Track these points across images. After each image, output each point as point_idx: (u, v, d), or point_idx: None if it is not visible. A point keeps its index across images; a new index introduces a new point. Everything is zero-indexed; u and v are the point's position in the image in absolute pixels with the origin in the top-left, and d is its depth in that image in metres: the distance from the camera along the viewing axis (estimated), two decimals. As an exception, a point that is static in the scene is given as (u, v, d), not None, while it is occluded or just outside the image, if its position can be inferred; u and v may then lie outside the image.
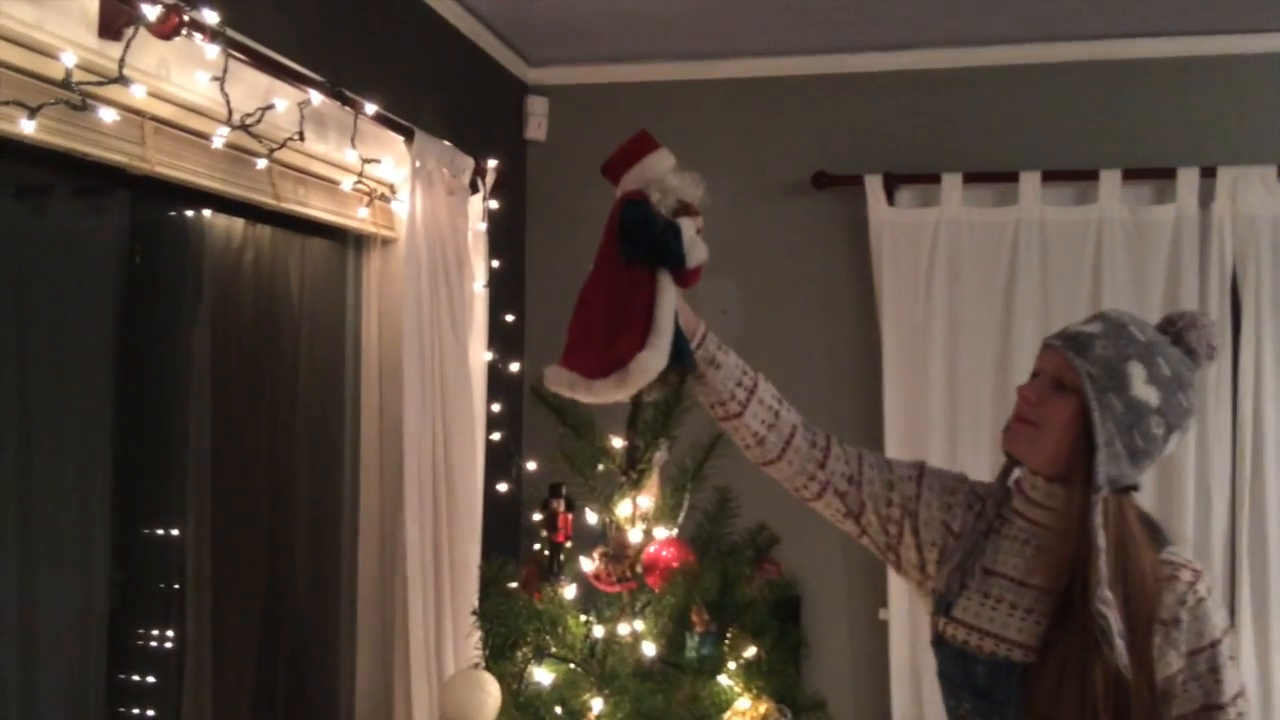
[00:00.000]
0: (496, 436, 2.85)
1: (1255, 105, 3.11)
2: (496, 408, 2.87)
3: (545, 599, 1.51)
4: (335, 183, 2.33)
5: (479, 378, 2.78)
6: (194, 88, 1.81)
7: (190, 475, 2.63)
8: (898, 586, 3.15)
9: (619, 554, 1.49)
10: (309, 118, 2.10)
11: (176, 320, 2.61)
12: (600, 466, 1.52)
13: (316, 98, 2.02)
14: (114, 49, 1.58)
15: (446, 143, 2.62)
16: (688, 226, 1.50)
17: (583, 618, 1.53)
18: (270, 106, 1.86)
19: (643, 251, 1.50)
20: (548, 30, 3.23)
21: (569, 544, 1.52)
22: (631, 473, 1.53)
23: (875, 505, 1.64)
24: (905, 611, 3.16)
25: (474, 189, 2.80)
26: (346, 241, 2.71)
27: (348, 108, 2.15)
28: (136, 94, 1.63)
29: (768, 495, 3.01)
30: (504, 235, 3.16)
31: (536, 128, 3.51)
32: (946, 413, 3.18)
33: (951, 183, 3.18)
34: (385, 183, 2.52)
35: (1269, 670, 2.96)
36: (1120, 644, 1.40)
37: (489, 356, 2.84)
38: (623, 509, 1.53)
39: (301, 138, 1.99)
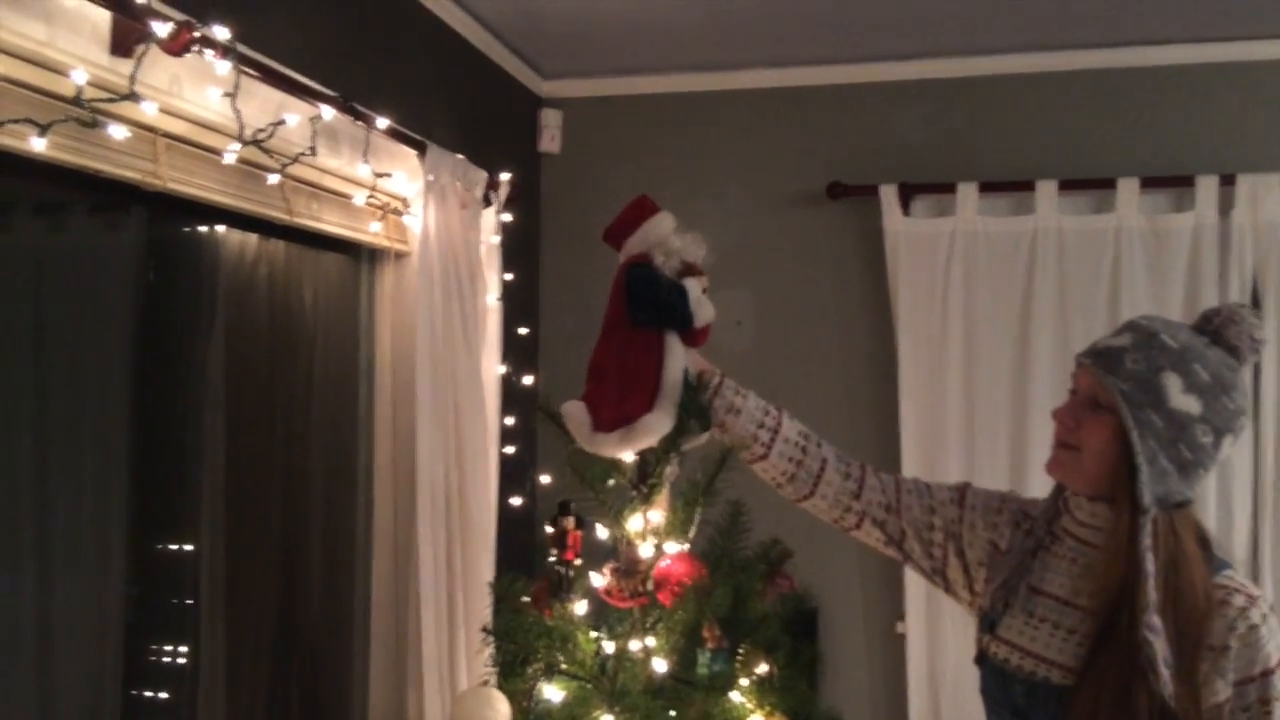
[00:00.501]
0: (510, 450, 2.84)
1: (1274, 112, 3.08)
2: (510, 421, 2.86)
3: (556, 615, 1.50)
4: (348, 197, 2.33)
5: (492, 391, 2.77)
6: (206, 104, 1.81)
7: (205, 490, 2.63)
8: (915, 599, 3.12)
9: (630, 569, 1.48)
10: (321, 132, 2.10)
11: (192, 336, 2.62)
12: (611, 481, 1.51)
13: (328, 112, 2.02)
14: (125, 66, 1.58)
15: (460, 156, 2.62)
16: (693, 286, 1.55)
17: (593, 634, 1.52)
18: (282, 122, 1.86)
19: (650, 314, 1.54)
20: (561, 43, 3.23)
21: (578, 561, 1.52)
22: (642, 487, 1.53)
23: (917, 531, 1.64)
24: (923, 624, 3.12)
25: (487, 202, 2.80)
26: (360, 256, 2.71)
27: (360, 122, 2.16)
28: (148, 111, 1.63)
29: (781, 509, 2.99)
30: (518, 248, 3.16)
31: (550, 140, 3.51)
32: (963, 424, 3.15)
33: (967, 192, 3.16)
34: (398, 197, 2.52)
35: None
36: (1166, 673, 1.36)
37: (503, 370, 2.83)
38: (634, 524, 1.52)
39: (314, 152, 1.99)
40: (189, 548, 2.71)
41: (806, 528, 3.21)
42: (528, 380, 2.90)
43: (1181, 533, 1.44)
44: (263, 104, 1.94)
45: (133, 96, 1.56)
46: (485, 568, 2.58)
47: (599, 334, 1.57)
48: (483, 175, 2.71)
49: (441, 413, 2.46)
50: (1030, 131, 3.23)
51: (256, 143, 1.82)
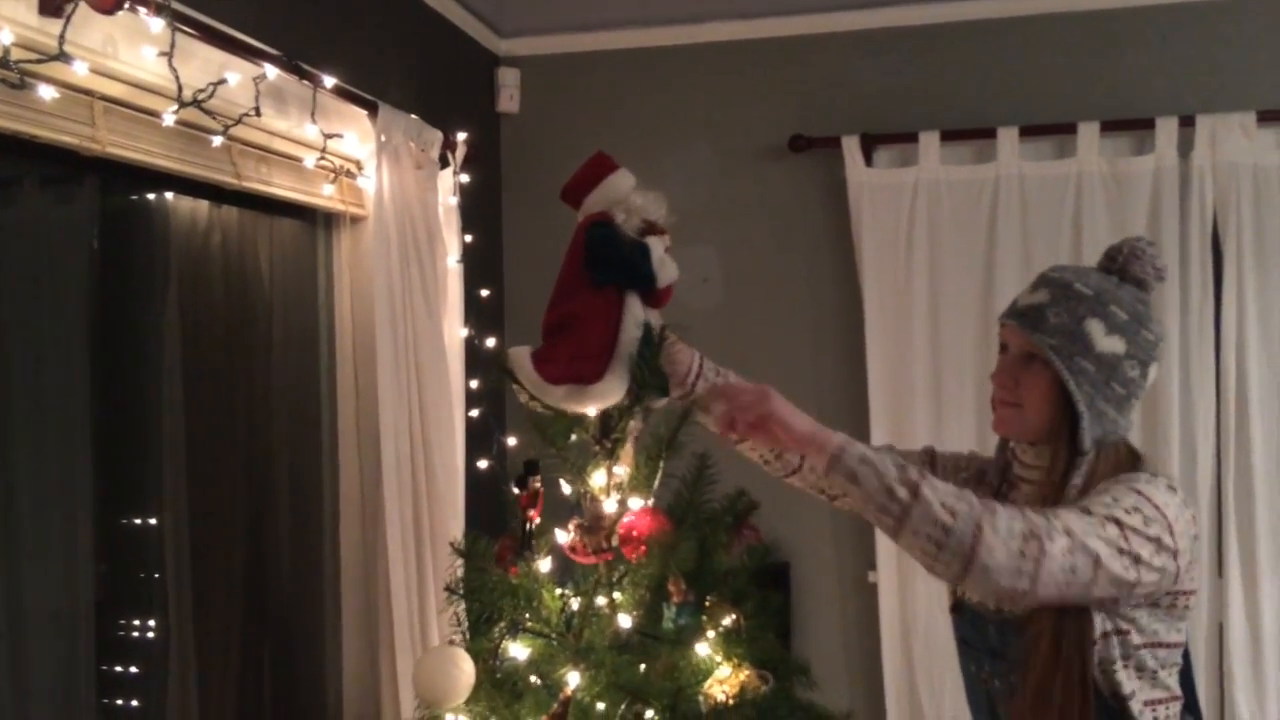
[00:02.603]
0: (475, 413, 2.82)
1: (1232, 51, 3.07)
2: (475, 384, 2.84)
3: (520, 573, 1.49)
4: (298, 160, 2.28)
5: (456, 354, 2.75)
6: (142, 64, 1.76)
7: (166, 463, 2.59)
8: (886, 549, 3.14)
9: (594, 526, 1.47)
10: (267, 93, 2.05)
11: (146, 307, 2.56)
12: (573, 437, 1.50)
13: (272, 72, 1.97)
14: (55, 26, 1.53)
15: (413, 116, 2.58)
16: (655, 245, 1.52)
17: (558, 591, 1.51)
18: (222, 81, 1.81)
19: (611, 274, 1.51)
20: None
21: (537, 520, 1.50)
22: (605, 442, 1.51)
23: None
24: (894, 573, 3.15)
25: (444, 163, 2.75)
26: (316, 220, 2.67)
27: (306, 81, 2.10)
28: (79, 71, 1.58)
29: (747, 462, 3.00)
30: (478, 210, 3.11)
31: (509, 100, 3.46)
32: (930, 374, 3.16)
33: (929, 141, 3.14)
34: (351, 159, 2.48)
35: (1259, 621, 2.96)
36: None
37: (465, 333, 2.80)
38: (597, 480, 1.51)
39: (258, 113, 1.94)
40: (153, 522, 2.66)
41: (776, 481, 3.24)
42: (491, 343, 2.87)
43: (1112, 459, 1.50)
44: (204, 64, 1.88)
45: (63, 57, 1.51)
46: (454, 531, 2.56)
47: (552, 293, 1.54)
48: (438, 135, 2.66)
49: (403, 377, 2.44)
50: (991, 78, 3.21)
51: (196, 103, 1.77)
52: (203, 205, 2.55)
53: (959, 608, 1.64)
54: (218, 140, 1.90)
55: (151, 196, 2.42)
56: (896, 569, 3.14)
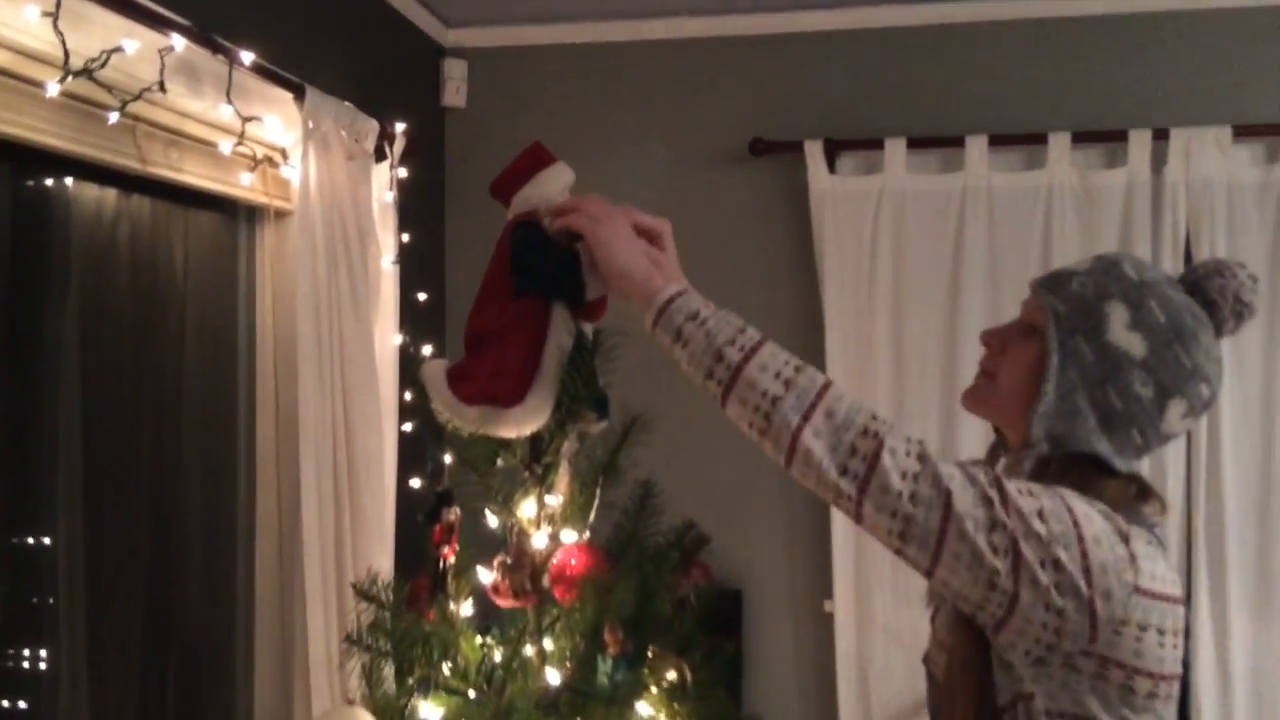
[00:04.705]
0: (409, 427, 2.61)
1: (1208, 63, 2.97)
2: (410, 396, 2.63)
3: (436, 618, 1.29)
4: (214, 145, 2.07)
5: (389, 363, 2.54)
6: (26, 28, 1.55)
7: (61, 478, 2.35)
8: (844, 575, 2.98)
9: (520, 563, 1.28)
10: (177, 69, 1.85)
11: (42, 306, 2.33)
12: (499, 461, 1.31)
13: (180, 42, 1.76)
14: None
15: (347, 103, 2.38)
16: (587, 252, 1.31)
17: (479, 640, 1.32)
18: (118, 49, 1.60)
19: (534, 284, 1.32)
20: (465, -13, 2.99)
21: (452, 559, 1.31)
22: (535, 467, 1.32)
23: None
24: (852, 603, 2.99)
25: (380, 156, 2.56)
26: (237, 214, 2.46)
27: (221, 57, 1.90)
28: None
29: (697, 488, 2.83)
30: (418, 208, 2.91)
31: (455, 93, 3.27)
32: (893, 388, 3.01)
33: (895, 148, 3.00)
34: (274, 146, 2.27)
35: (1228, 658, 2.84)
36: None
37: (400, 339, 2.60)
38: (526, 510, 1.32)
39: (163, 89, 1.74)
40: (46, 541, 2.42)
41: (730, 503, 3.10)
42: (428, 350, 2.67)
43: (1072, 478, 1.21)
44: (104, 32, 1.67)
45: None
46: (381, 559, 2.36)
47: (475, 299, 1.35)
48: (373, 125, 2.47)
49: (327, 388, 2.23)
50: (960, 85, 3.08)
51: (88, 73, 1.56)
52: (110, 193, 2.33)
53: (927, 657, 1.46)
54: (114, 117, 1.68)
55: (50, 183, 2.19)
56: (854, 598, 2.98)
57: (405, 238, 2.64)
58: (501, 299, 1.31)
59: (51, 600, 2.41)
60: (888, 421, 1.16)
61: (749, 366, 1.16)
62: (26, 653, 2.44)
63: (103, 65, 1.57)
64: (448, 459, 2.55)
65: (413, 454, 2.63)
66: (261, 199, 2.31)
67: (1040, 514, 1.12)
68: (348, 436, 2.27)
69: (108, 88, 1.65)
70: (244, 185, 2.19)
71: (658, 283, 1.24)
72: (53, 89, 1.56)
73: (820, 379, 1.17)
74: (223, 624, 2.44)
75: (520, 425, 1.27)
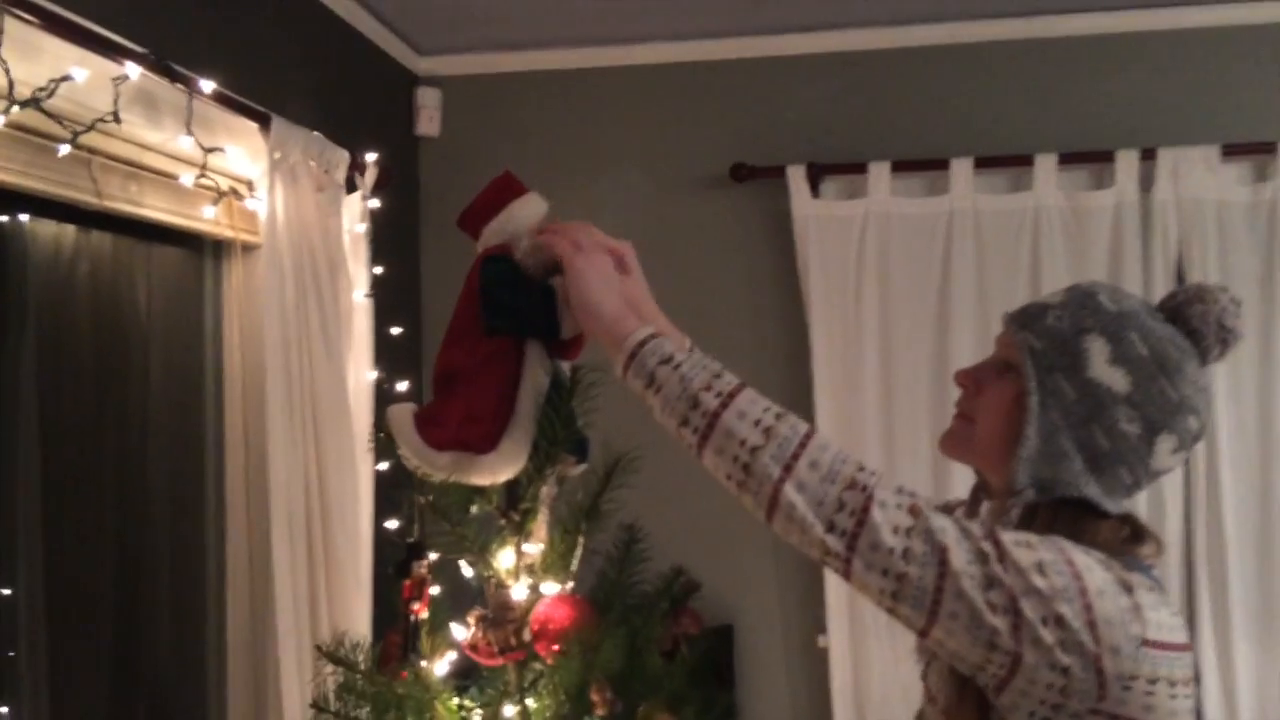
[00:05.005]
0: (385, 466, 2.51)
1: (1195, 82, 2.93)
2: (378, 441, 2.53)
3: (410, 678, 1.20)
4: (176, 177, 1.99)
5: (363, 400, 2.45)
6: (-31, 57, 1.46)
7: (20, 526, 2.25)
8: (838, 609, 2.89)
9: (500, 618, 1.20)
10: (135, 99, 1.77)
11: (-2, 347, 2.24)
12: (474, 508, 1.22)
13: (134, 70, 1.68)
14: None
15: (315, 133, 2.30)
16: (563, 287, 1.22)
17: (456, 701, 1.23)
18: (66, 78, 1.52)
19: (506, 322, 1.24)
20: (438, 14, 2.92)
21: (425, 615, 1.22)
22: (513, 514, 1.24)
23: None
24: (846, 637, 2.90)
25: (352, 187, 2.48)
26: (203, 249, 2.37)
27: (180, 85, 1.82)
28: None
29: (683, 523, 2.74)
30: (392, 240, 2.83)
31: (429, 122, 3.20)
32: (882, 416, 2.94)
33: (879, 172, 2.95)
34: (240, 178, 2.19)
35: (1233, 687, 2.76)
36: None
37: (374, 375, 2.51)
38: (504, 560, 1.23)
39: (116, 119, 1.65)
40: (5, 592, 2.31)
41: (718, 536, 3.00)
42: (404, 386, 2.58)
43: (1062, 525, 1.15)
44: (54, 61, 1.59)
45: None
46: (357, 606, 2.26)
47: (444, 336, 1.27)
48: (343, 155, 2.39)
49: (298, 427, 2.14)
50: (944, 107, 3.03)
51: (35, 102, 1.48)
52: (68, 229, 2.24)
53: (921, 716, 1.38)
54: (65, 149, 1.60)
55: (3, 219, 2.11)
56: (849, 633, 2.89)
57: (378, 270, 2.55)
58: (472, 336, 1.22)
59: (12, 653, 2.30)
60: (876, 472, 1.09)
61: (726, 414, 1.10)
62: (-16, 712, 2.32)
63: (49, 95, 1.48)
64: (419, 502, 2.46)
65: (389, 495, 2.53)
66: (227, 233, 2.23)
67: (1040, 567, 1.05)
68: (320, 477, 2.18)
69: (59, 119, 1.57)
70: (208, 219, 2.10)
71: (630, 324, 1.17)
72: (-2, 119, 1.47)
73: (803, 427, 1.11)
74: (194, 681, 2.33)
75: (495, 472, 1.19)
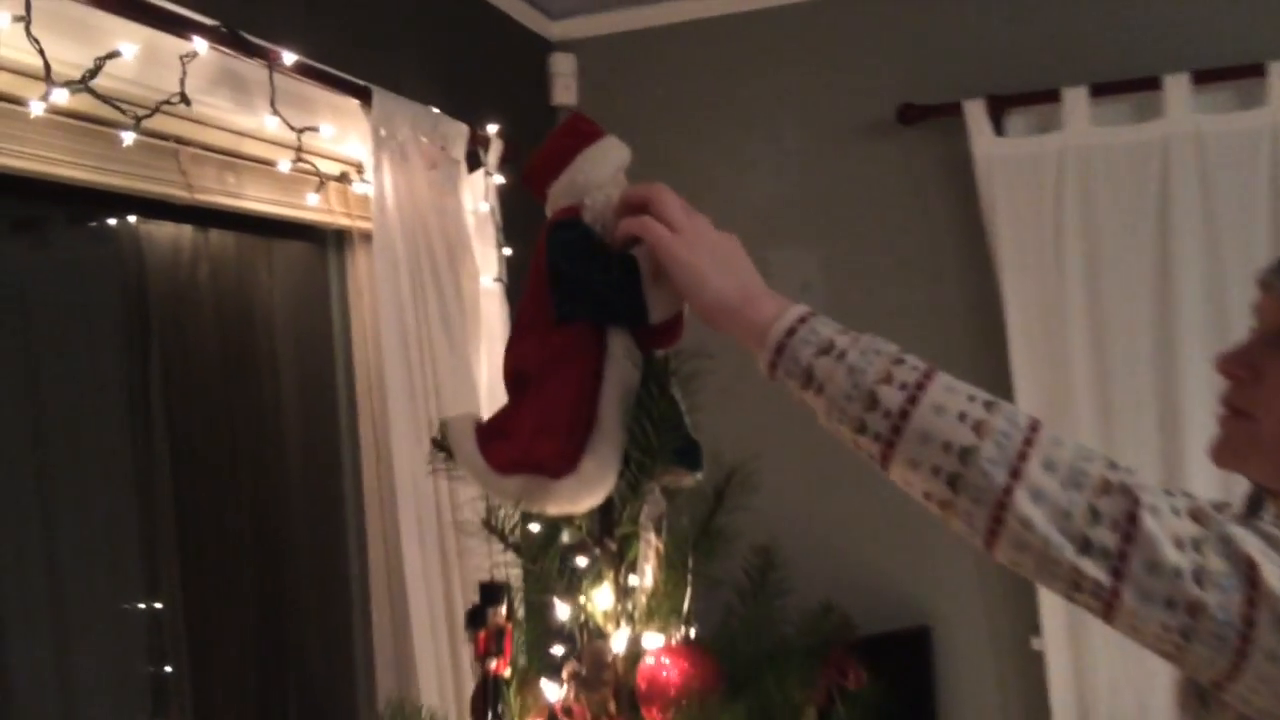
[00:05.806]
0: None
1: None
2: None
3: (494, 746, 0.98)
4: (272, 164, 1.84)
5: (497, 392, 2.26)
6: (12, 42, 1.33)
7: (159, 538, 2.19)
8: (1052, 609, 2.51)
9: (596, 676, 0.95)
10: (219, 79, 1.62)
11: (125, 359, 2.17)
12: (565, 536, 0.98)
13: (202, 45, 1.52)
14: None
15: (430, 107, 2.12)
16: (649, 258, 0.96)
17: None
18: (115, 54, 1.36)
19: (581, 305, 0.98)
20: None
21: (506, 671, 0.99)
22: (609, 543, 0.98)
23: None
24: (1065, 639, 2.51)
25: (475, 164, 2.29)
26: (325, 241, 2.24)
27: (259, 60, 1.65)
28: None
29: (853, 519, 2.40)
30: (527, 219, 2.63)
31: (565, 90, 2.99)
32: (1095, 390, 2.51)
33: (1075, 98, 2.51)
34: (351, 161, 2.03)
35: None
36: None
37: (509, 365, 2.32)
38: (600, 601, 0.98)
39: (185, 100, 1.49)
40: (159, 606, 2.27)
41: (903, 528, 2.66)
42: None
43: None
44: (111, 41, 1.45)
45: None
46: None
47: (511, 327, 1.02)
48: (461, 129, 2.20)
49: (422, 425, 1.98)
50: (1149, 13, 2.56)
51: (84, 84, 1.33)
52: (185, 231, 2.15)
53: None
54: (128, 137, 1.45)
55: (109, 222, 2.03)
56: (1067, 633, 2.51)
57: (508, 252, 2.36)
58: (542, 325, 0.98)
59: (152, 669, 2.26)
60: (1131, 469, 0.80)
61: (918, 411, 0.83)
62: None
63: (94, 76, 1.33)
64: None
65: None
66: (343, 220, 2.08)
67: None
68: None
69: (116, 103, 1.42)
70: (313, 206, 1.95)
71: (767, 307, 0.91)
72: (36, 108, 1.33)
73: (1023, 418, 0.84)
74: (342, 690, 2.22)
75: (575, 500, 0.93)
